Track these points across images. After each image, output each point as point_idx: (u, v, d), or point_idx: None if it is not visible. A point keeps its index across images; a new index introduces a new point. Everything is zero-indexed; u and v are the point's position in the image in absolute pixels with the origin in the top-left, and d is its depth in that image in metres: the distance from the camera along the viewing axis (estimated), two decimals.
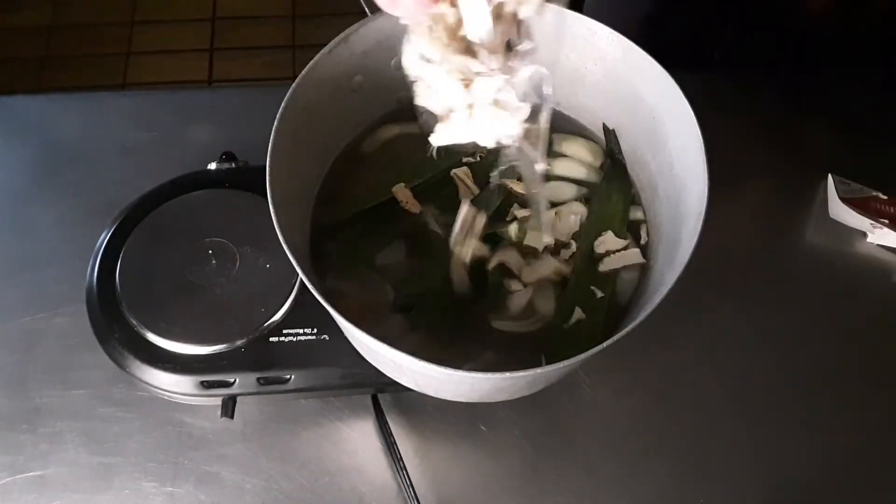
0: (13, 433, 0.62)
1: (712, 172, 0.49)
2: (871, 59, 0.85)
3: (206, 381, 0.57)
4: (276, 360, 0.57)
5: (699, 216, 0.48)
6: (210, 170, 0.67)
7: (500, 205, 0.60)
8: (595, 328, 0.55)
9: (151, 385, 0.57)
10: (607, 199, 0.61)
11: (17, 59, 1.85)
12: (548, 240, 0.56)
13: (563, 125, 0.65)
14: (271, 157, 0.50)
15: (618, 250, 0.58)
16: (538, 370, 0.45)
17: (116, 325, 0.58)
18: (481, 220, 0.57)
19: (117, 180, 0.73)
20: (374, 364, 0.55)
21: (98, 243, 0.62)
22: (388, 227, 0.59)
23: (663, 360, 0.67)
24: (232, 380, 0.57)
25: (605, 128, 0.63)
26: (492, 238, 0.59)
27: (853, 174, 0.76)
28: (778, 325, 0.69)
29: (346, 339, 0.56)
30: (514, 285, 0.56)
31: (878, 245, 0.73)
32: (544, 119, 0.42)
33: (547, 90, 0.40)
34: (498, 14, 0.37)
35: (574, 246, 0.59)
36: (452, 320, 0.56)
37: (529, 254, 0.58)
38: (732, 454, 0.64)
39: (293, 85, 0.52)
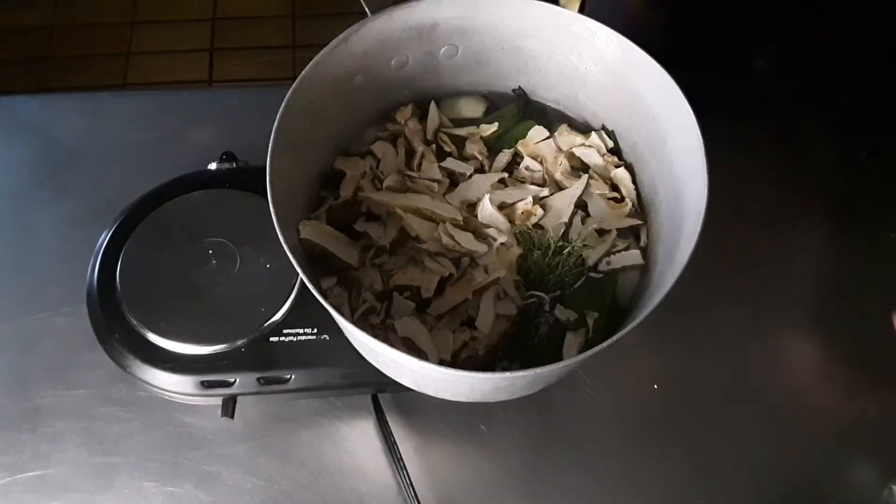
0: (14, 433, 0.62)
1: (712, 172, 0.49)
2: (871, 59, 0.85)
3: (207, 381, 0.57)
4: (276, 360, 0.58)
5: (699, 216, 0.48)
6: (210, 170, 0.67)
7: None
8: (595, 328, 0.55)
9: (152, 385, 0.58)
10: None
11: (17, 59, 1.85)
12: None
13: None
14: (272, 157, 0.50)
15: (618, 251, 0.58)
16: (538, 370, 0.45)
17: (117, 324, 0.58)
18: None
19: (117, 180, 0.73)
20: (374, 364, 0.55)
21: (98, 243, 0.62)
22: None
23: (663, 360, 0.67)
24: (232, 380, 0.57)
25: (603, 128, 0.64)
26: None
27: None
28: (777, 325, 0.69)
29: (346, 339, 0.56)
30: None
31: None
32: None
33: None
34: None
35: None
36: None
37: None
38: (732, 454, 0.64)
39: (293, 85, 0.52)
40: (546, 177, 0.62)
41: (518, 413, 0.64)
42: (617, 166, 0.62)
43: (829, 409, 0.66)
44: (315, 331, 0.58)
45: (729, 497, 0.62)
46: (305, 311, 0.59)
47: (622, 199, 0.61)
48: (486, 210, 0.58)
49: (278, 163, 0.50)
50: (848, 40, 0.86)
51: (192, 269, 0.60)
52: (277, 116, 0.51)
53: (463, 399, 0.57)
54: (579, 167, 0.63)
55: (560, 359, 0.51)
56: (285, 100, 0.52)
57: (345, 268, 0.57)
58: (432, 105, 0.64)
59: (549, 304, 0.56)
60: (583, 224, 0.59)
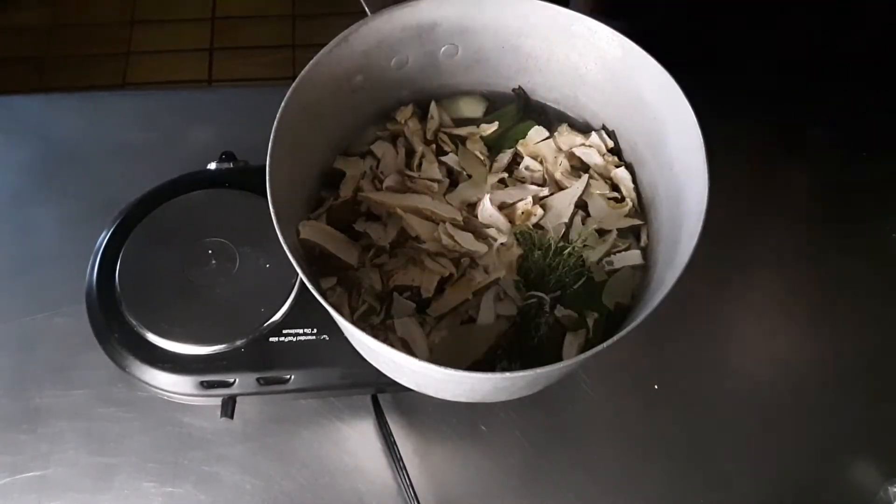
0: (13, 433, 0.62)
1: (712, 172, 0.49)
2: (871, 57, 0.85)
3: (206, 381, 0.57)
4: (276, 360, 0.57)
5: (699, 216, 0.48)
6: (210, 169, 0.67)
7: None
8: (595, 328, 0.55)
9: (151, 385, 0.57)
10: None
11: (17, 59, 1.85)
12: None
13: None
14: (271, 157, 0.50)
15: (618, 251, 0.58)
16: (538, 370, 0.45)
17: (116, 325, 0.58)
18: None
19: (117, 180, 0.73)
20: (373, 364, 0.55)
21: (98, 243, 0.62)
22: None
23: (663, 360, 0.67)
24: (232, 380, 0.57)
25: (603, 128, 0.63)
26: None
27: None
28: (777, 325, 0.69)
29: (346, 339, 0.56)
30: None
31: None
32: None
33: None
34: None
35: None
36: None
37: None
38: (732, 454, 0.64)
39: (293, 85, 0.52)
40: (546, 177, 0.62)
41: (518, 413, 0.64)
42: (617, 166, 0.62)
43: (829, 410, 0.66)
44: (315, 331, 0.58)
45: (729, 497, 0.62)
46: (305, 311, 0.59)
47: (622, 199, 0.61)
48: (487, 210, 0.58)
49: (278, 163, 0.50)
50: (848, 38, 0.86)
51: (191, 269, 0.60)
52: (277, 116, 0.51)
53: (463, 399, 0.57)
54: (579, 167, 0.62)
55: (560, 359, 0.51)
56: (285, 100, 0.52)
57: (345, 268, 0.57)
58: (433, 104, 0.64)
59: (549, 304, 0.56)
60: (583, 224, 0.59)
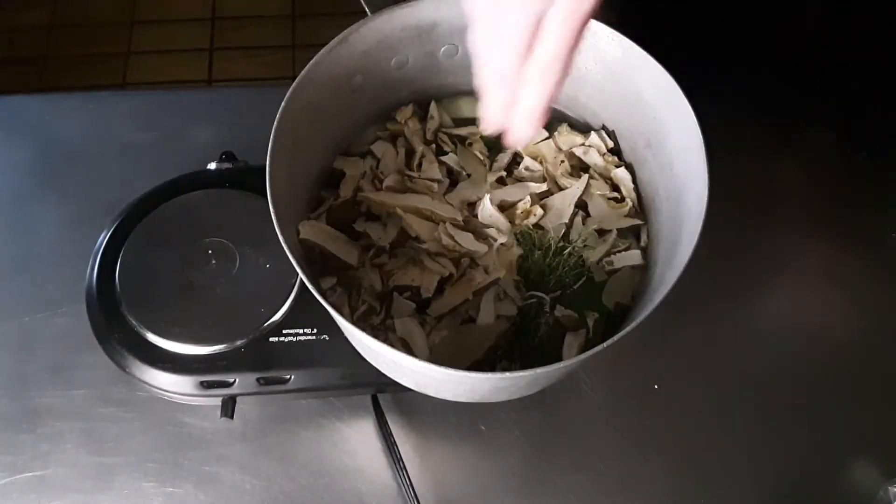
0: (13, 433, 0.62)
1: (712, 172, 0.49)
2: (871, 60, 0.85)
3: (206, 382, 0.57)
4: (275, 360, 0.57)
5: (699, 216, 0.48)
6: (210, 170, 0.67)
7: None
8: (595, 328, 0.55)
9: (151, 385, 0.57)
10: None
11: (17, 59, 1.85)
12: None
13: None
14: (271, 157, 0.50)
15: (618, 251, 0.58)
16: (538, 370, 0.45)
17: (116, 325, 0.58)
18: None
19: (117, 180, 0.73)
20: (373, 364, 0.55)
21: (98, 243, 0.62)
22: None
23: (664, 361, 0.67)
24: (232, 380, 0.57)
25: (603, 128, 0.63)
26: None
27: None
28: (777, 324, 0.69)
29: (346, 339, 0.56)
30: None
31: None
32: None
33: None
34: None
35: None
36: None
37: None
38: (732, 454, 0.64)
39: (293, 85, 0.52)
40: (546, 177, 0.62)
41: (518, 413, 0.64)
42: (617, 166, 0.62)
43: (829, 410, 0.66)
44: (315, 331, 0.58)
45: (729, 497, 0.62)
46: (305, 311, 0.59)
47: (622, 199, 0.61)
48: (487, 210, 0.58)
49: (278, 163, 0.50)
50: (848, 37, 0.86)
51: (191, 269, 0.60)
52: (277, 116, 0.51)
53: (463, 399, 0.57)
54: (579, 167, 0.62)
55: (560, 359, 0.51)
56: (285, 100, 0.52)
57: (345, 268, 0.57)
58: (433, 104, 0.64)
59: (549, 304, 0.56)
60: (583, 224, 0.59)
